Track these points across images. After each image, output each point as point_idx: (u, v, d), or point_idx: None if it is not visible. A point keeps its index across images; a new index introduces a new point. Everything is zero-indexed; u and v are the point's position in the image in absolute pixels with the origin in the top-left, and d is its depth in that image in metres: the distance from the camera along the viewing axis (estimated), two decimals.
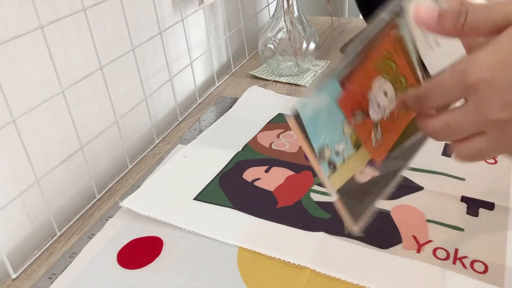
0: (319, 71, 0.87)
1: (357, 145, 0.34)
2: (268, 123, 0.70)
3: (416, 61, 0.35)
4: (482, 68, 0.30)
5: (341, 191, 0.34)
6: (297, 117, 0.32)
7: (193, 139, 0.67)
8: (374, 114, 0.34)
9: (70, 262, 0.48)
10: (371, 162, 0.36)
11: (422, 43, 0.35)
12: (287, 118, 0.32)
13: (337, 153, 0.34)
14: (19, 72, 0.52)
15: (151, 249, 0.49)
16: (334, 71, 0.33)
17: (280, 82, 0.84)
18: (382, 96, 0.34)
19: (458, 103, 0.32)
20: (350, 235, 0.48)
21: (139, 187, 0.57)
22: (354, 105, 0.34)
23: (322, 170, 0.33)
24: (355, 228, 0.35)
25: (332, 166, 0.34)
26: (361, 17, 0.89)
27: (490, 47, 0.30)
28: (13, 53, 0.51)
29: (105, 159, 0.66)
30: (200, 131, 0.70)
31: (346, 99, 0.33)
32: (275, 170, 0.59)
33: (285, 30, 0.82)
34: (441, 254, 0.45)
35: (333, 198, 0.34)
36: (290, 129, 0.68)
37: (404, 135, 0.36)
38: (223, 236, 0.49)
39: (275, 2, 0.93)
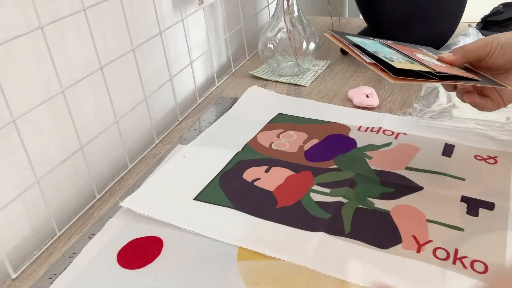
0: (319, 71, 0.87)
1: (410, 61, 0.49)
2: (268, 123, 0.70)
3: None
4: None
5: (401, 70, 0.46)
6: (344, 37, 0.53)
7: (193, 139, 0.67)
8: (424, 59, 0.52)
9: (70, 262, 0.48)
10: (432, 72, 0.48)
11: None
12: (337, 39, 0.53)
13: (392, 58, 0.48)
14: (19, 72, 0.52)
15: (151, 249, 0.49)
16: (370, 39, 0.56)
17: (280, 82, 0.84)
18: (427, 58, 0.53)
19: None
20: (350, 235, 0.48)
21: (139, 187, 0.57)
22: (400, 48, 0.54)
23: (381, 56, 0.48)
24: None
25: (390, 60, 0.48)
26: (361, 17, 0.89)
27: None
28: (13, 53, 0.51)
29: (105, 159, 0.66)
30: (200, 131, 0.70)
31: (390, 44, 0.55)
32: (275, 170, 0.59)
33: (285, 30, 0.82)
34: (441, 254, 0.45)
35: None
36: (290, 129, 0.68)
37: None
38: (223, 236, 0.49)
39: (275, 2, 0.93)
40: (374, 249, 0.46)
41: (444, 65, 0.52)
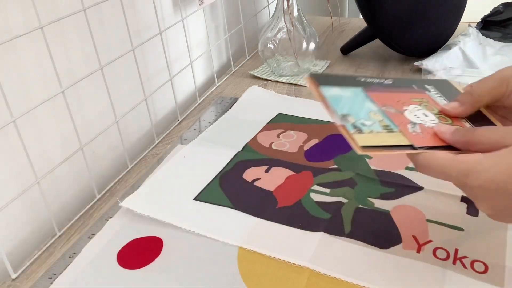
0: (319, 71, 0.87)
1: (387, 129, 0.41)
2: (268, 123, 0.70)
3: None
4: (481, 178, 0.35)
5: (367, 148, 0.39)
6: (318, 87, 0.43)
7: (193, 139, 0.67)
8: (413, 118, 0.43)
9: (70, 262, 0.48)
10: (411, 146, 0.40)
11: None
12: (309, 83, 0.44)
13: (363, 125, 0.40)
14: (19, 72, 0.52)
15: (151, 249, 0.49)
16: (359, 82, 0.46)
17: (280, 82, 0.84)
18: (420, 113, 0.43)
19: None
20: (350, 235, 0.48)
21: (139, 187, 0.57)
22: (386, 102, 0.43)
23: (346, 127, 0.40)
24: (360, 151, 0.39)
25: (358, 130, 0.40)
26: (361, 17, 0.89)
27: (491, 159, 0.36)
28: (13, 53, 0.51)
29: (105, 159, 0.66)
30: (200, 131, 0.70)
31: (376, 96, 0.44)
32: (275, 170, 0.59)
33: (285, 30, 0.82)
34: (441, 254, 0.45)
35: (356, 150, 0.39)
36: (290, 129, 0.68)
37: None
38: (223, 236, 0.49)
39: (275, 2, 0.93)
40: (374, 249, 0.46)
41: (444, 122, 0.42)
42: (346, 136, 0.40)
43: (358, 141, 0.38)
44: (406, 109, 0.43)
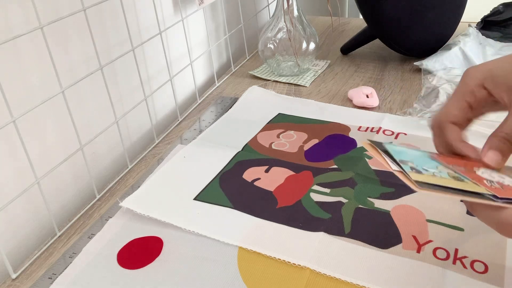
0: (319, 71, 0.87)
1: (456, 178, 0.37)
2: (268, 123, 0.70)
3: None
4: None
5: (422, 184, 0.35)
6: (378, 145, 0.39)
7: (193, 139, 0.67)
8: (489, 177, 0.38)
9: (70, 262, 0.48)
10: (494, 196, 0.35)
11: None
12: (365, 146, 0.40)
13: (425, 170, 0.37)
14: (19, 72, 0.52)
15: (151, 249, 0.49)
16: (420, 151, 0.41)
17: (280, 82, 0.84)
18: (494, 175, 0.39)
19: None
20: (350, 235, 0.48)
21: (139, 187, 0.57)
22: (454, 163, 0.39)
23: (403, 169, 0.36)
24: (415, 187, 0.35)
25: (416, 171, 0.36)
26: (361, 17, 0.89)
27: None
28: (13, 53, 0.51)
29: (105, 159, 0.66)
30: (200, 131, 0.70)
31: (442, 158, 0.40)
32: (275, 170, 0.59)
33: (285, 30, 0.82)
34: (441, 254, 0.45)
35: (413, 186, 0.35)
36: (290, 129, 0.68)
37: None
38: (223, 236, 0.49)
39: (275, 2, 0.93)
40: (374, 249, 0.46)
41: None
42: (404, 180, 0.36)
43: (413, 177, 0.35)
44: (477, 170, 0.38)
